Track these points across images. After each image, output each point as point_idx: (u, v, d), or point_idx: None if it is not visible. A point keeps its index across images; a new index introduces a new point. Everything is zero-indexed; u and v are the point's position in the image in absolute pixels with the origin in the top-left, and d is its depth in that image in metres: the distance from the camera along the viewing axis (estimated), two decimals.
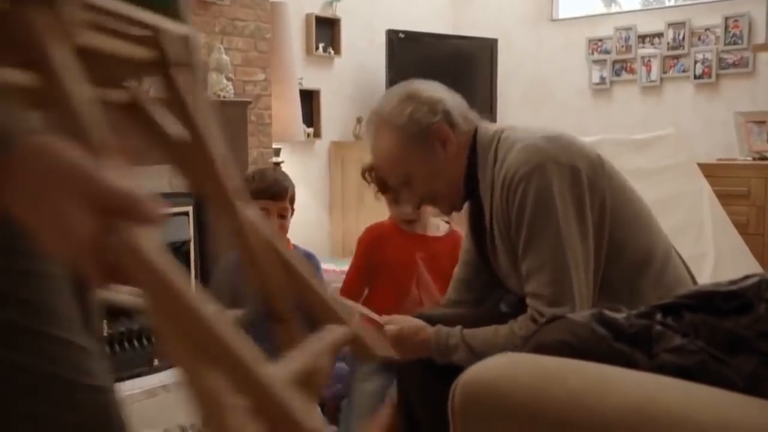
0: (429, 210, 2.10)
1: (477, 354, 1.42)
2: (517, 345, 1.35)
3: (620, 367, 1.00)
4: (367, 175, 2.10)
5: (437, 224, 2.17)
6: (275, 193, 1.97)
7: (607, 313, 1.09)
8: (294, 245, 2.20)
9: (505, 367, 0.99)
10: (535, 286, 1.41)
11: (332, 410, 2.52)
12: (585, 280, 1.40)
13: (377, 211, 2.46)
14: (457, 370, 1.68)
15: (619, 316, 1.08)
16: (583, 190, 1.41)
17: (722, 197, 3.30)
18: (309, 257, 2.18)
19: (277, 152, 3.87)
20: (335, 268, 3.85)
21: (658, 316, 1.07)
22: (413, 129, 1.52)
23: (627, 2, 4.75)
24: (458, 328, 1.51)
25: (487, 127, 1.60)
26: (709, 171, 3.42)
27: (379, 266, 2.11)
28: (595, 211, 1.42)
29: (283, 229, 2.00)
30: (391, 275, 2.10)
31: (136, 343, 3.01)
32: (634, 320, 1.06)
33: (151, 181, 3.24)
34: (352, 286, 2.13)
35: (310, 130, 4.36)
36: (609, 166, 1.50)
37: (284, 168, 4.00)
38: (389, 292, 2.10)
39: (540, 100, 4.88)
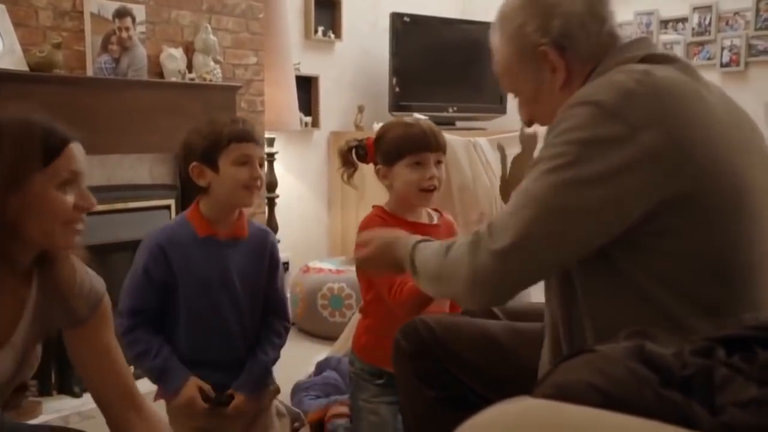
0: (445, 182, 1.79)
1: (421, 274, 1.29)
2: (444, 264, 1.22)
3: (671, 425, 0.73)
4: (353, 152, 1.81)
5: (429, 213, 1.86)
6: (258, 137, 1.71)
7: (650, 346, 0.82)
8: (250, 221, 1.83)
9: (512, 425, 0.72)
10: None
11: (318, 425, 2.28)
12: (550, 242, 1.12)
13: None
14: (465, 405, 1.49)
15: (667, 351, 0.81)
16: (626, 154, 1.08)
17: None
18: (267, 233, 1.84)
19: (270, 142, 3.60)
20: (332, 267, 3.59)
21: (721, 354, 0.80)
22: (521, 44, 1.29)
23: None
24: (413, 241, 1.35)
25: (629, 52, 1.23)
26: None
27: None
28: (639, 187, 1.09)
29: (263, 181, 1.71)
30: None
31: None
32: (689, 358, 0.79)
33: (131, 171, 2.99)
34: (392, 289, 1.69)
35: (308, 119, 4.10)
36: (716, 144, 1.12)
37: (279, 159, 3.74)
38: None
39: None
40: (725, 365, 0.77)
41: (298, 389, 2.51)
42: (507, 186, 1.50)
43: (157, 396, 1.72)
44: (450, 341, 1.50)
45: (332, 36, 4.20)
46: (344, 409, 2.23)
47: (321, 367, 2.65)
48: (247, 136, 1.66)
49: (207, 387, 1.66)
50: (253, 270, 1.75)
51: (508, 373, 1.43)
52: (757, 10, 3.82)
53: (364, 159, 1.83)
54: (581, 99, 1.14)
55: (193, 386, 1.64)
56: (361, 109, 4.30)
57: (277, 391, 1.89)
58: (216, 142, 1.65)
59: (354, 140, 1.83)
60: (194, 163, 1.67)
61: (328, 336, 3.33)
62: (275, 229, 3.67)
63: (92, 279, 1.37)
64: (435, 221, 1.84)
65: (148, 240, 1.71)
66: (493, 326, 1.54)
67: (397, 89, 4.24)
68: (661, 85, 1.12)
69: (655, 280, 1.12)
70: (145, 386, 1.70)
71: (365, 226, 1.78)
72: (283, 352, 1.86)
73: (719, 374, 0.76)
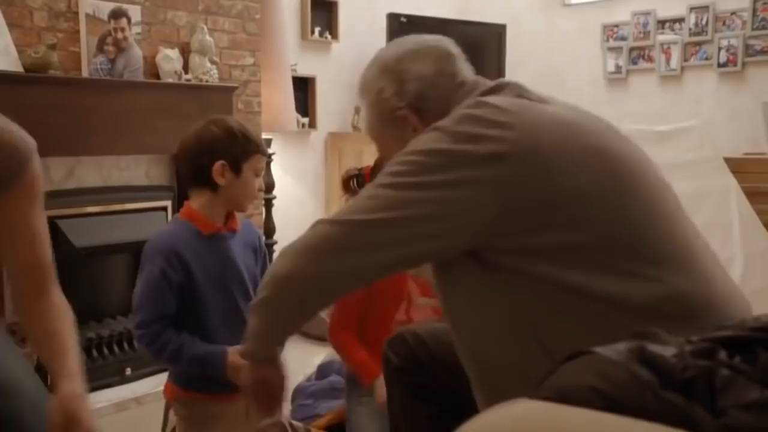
0: None
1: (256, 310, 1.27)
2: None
3: (673, 428, 0.72)
4: (354, 181, 1.86)
5: None
6: (264, 148, 1.77)
7: (651, 348, 0.81)
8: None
9: (511, 428, 0.71)
10: None
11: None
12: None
13: None
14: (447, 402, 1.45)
15: (668, 352, 0.80)
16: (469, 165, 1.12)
17: (750, 195, 3.02)
18: (251, 224, 1.91)
19: (267, 143, 3.59)
20: None
21: (722, 355, 0.79)
22: (381, 109, 1.33)
23: None
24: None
25: (468, 96, 1.29)
26: (736, 166, 3.15)
27: (371, 291, 1.83)
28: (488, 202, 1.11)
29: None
30: (383, 300, 1.85)
31: (105, 350, 2.75)
32: (690, 360, 0.78)
33: (128, 172, 2.98)
34: (345, 320, 1.90)
35: (305, 120, 4.09)
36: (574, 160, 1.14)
37: (276, 160, 3.73)
38: (383, 318, 1.86)
39: (551, 90, 4.48)
40: (727, 367, 0.76)
41: (301, 392, 2.48)
42: None
43: (173, 394, 1.73)
44: (442, 351, 1.41)
45: (329, 37, 4.19)
46: None
47: (324, 371, 2.62)
48: (258, 150, 1.72)
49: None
50: (251, 259, 1.78)
51: None
52: (754, 10, 3.82)
53: (363, 186, 1.89)
54: (426, 129, 1.20)
55: (234, 352, 1.61)
56: (358, 110, 4.29)
57: None
58: (247, 148, 1.67)
59: (354, 169, 1.90)
60: (221, 162, 1.65)
61: (325, 337, 3.31)
62: (272, 230, 3.66)
63: (15, 136, 1.19)
64: None
65: (154, 247, 1.68)
66: None
67: None
68: (496, 107, 1.17)
69: (575, 270, 1.10)
70: (148, 386, 1.68)
71: None
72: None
73: (721, 376, 0.75)
